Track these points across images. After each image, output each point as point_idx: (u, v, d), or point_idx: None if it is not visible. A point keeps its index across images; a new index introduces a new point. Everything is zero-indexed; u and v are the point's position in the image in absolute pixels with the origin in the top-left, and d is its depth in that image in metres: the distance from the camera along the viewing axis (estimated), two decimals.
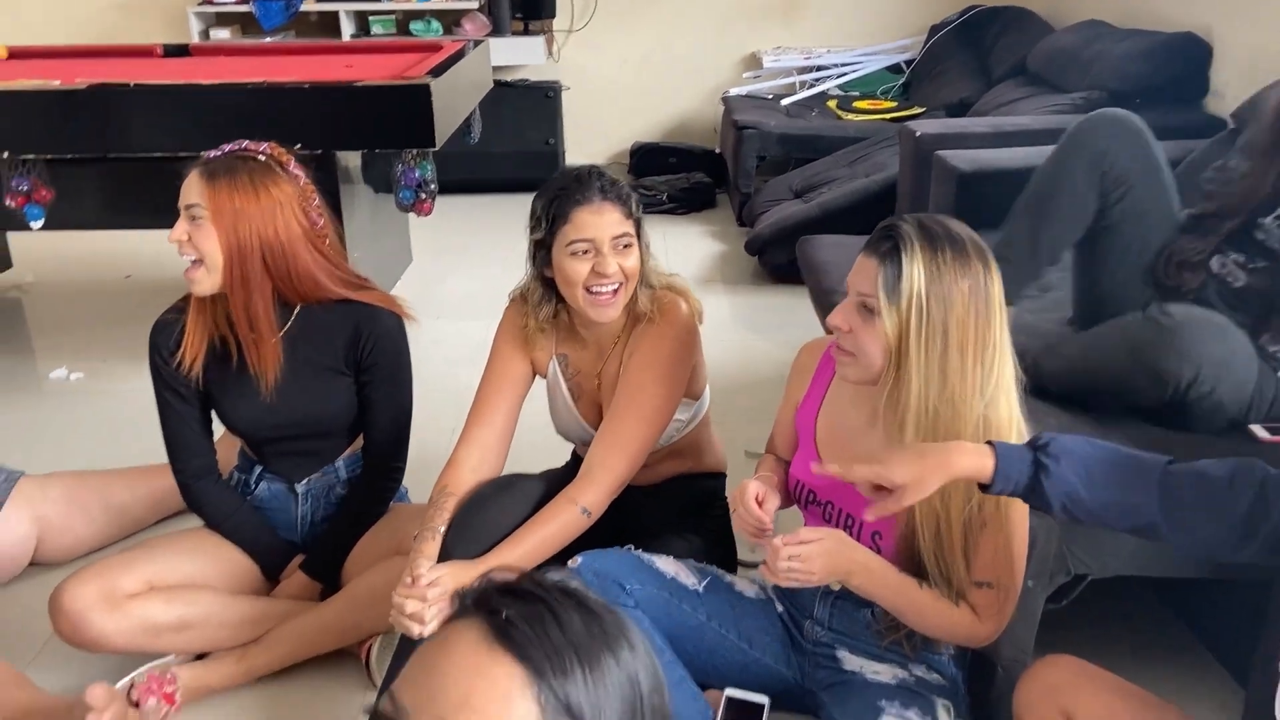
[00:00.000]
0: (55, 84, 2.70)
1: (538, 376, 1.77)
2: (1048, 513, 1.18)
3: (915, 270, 1.22)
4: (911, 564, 1.34)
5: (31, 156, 2.62)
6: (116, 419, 2.66)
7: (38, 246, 3.80)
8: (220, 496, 1.80)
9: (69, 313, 3.52)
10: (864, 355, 1.29)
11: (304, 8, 4.52)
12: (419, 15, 4.68)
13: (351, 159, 3.01)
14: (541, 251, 1.62)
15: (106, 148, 2.60)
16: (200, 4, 4.57)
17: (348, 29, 4.60)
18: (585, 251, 1.56)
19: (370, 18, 4.66)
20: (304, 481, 1.82)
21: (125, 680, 1.57)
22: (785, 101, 4.38)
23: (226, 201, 1.59)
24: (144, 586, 1.65)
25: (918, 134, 2.86)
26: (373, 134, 2.62)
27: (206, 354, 1.71)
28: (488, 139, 3.58)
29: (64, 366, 2.99)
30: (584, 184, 1.57)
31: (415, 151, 2.69)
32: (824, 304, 2.36)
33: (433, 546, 1.55)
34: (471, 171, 4.41)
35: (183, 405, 1.75)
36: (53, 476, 2.05)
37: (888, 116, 4.11)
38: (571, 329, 1.72)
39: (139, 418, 2.59)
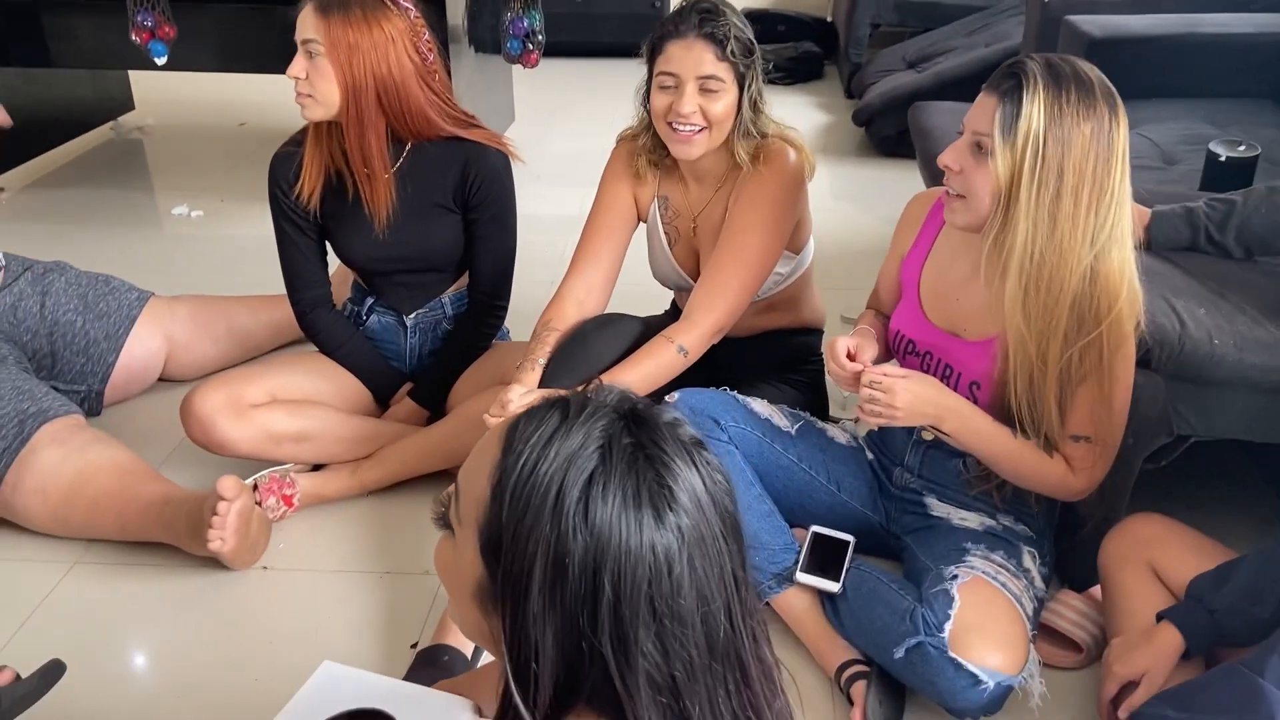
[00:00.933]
0: None
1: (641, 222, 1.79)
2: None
3: (1035, 109, 1.19)
4: (1005, 416, 1.34)
5: None
6: (234, 254, 2.78)
7: (158, 91, 3.92)
8: (335, 325, 1.89)
9: (187, 155, 3.65)
10: (973, 197, 1.27)
11: None
12: None
13: (458, 10, 3.00)
14: (647, 84, 1.62)
15: None
16: None
17: None
18: (669, 86, 1.56)
19: None
20: (412, 315, 1.89)
21: (249, 480, 1.68)
22: None
23: (341, 36, 1.61)
24: (268, 398, 1.76)
25: None
26: None
27: (323, 187, 1.76)
28: None
29: (185, 204, 3.11)
30: (683, 18, 1.56)
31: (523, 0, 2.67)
32: (935, 171, 2.30)
33: (532, 377, 1.61)
34: (575, 33, 4.35)
35: (300, 236, 1.82)
36: (181, 299, 2.17)
37: None
38: (674, 169, 1.72)
39: (255, 254, 2.72)
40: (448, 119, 1.75)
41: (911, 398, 1.30)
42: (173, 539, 1.63)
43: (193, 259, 2.79)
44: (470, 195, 1.78)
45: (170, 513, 1.62)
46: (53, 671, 1.28)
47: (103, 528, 1.66)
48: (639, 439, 0.64)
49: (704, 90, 1.55)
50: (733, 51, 1.54)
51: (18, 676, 1.25)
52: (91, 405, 2.01)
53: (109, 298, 2.04)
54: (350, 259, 1.86)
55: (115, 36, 2.95)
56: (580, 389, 0.73)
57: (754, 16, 4.59)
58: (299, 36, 1.64)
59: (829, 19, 4.56)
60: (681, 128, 1.57)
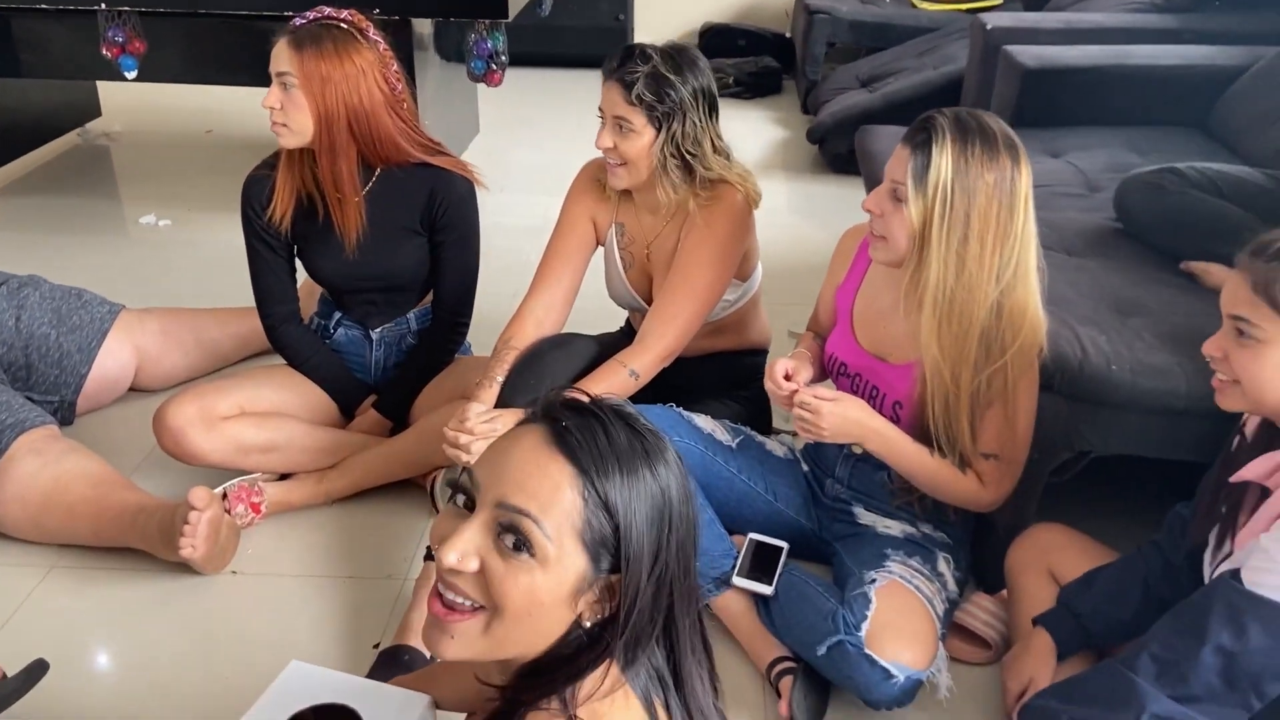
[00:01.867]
0: None
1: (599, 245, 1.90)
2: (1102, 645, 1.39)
3: (943, 161, 1.31)
4: (924, 433, 1.47)
5: (126, 9, 2.74)
6: (202, 263, 2.85)
7: (124, 97, 3.96)
8: (302, 339, 1.97)
9: (154, 162, 3.70)
10: (891, 239, 1.39)
11: None
12: None
13: (424, 27, 3.09)
14: None
15: (196, 4, 2.71)
16: None
17: None
18: (600, 119, 1.70)
19: None
20: (378, 329, 1.98)
21: (219, 489, 1.77)
22: None
23: (314, 69, 1.70)
24: (236, 411, 1.84)
25: (988, 26, 2.85)
26: (447, 2, 2.69)
27: (295, 209, 1.85)
28: (557, 12, 3.62)
29: (153, 213, 3.17)
30: (613, 59, 1.69)
31: (488, 22, 2.76)
32: None
33: (490, 394, 1.71)
34: (539, 45, 4.45)
35: (271, 255, 1.90)
36: (151, 311, 2.24)
37: (964, 7, 4.05)
38: (631, 198, 1.83)
39: (223, 263, 2.80)
40: (415, 145, 1.84)
41: (837, 420, 1.42)
42: (145, 545, 1.71)
43: (161, 268, 2.85)
44: (436, 219, 1.88)
45: (143, 520, 1.70)
46: (36, 670, 1.36)
47: (78, 534, 1.74)
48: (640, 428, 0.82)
49: (618, 129, 1.68)
50: (641, 97, 1.65)
51: (4, 675, 1.34)
52: (64, 415, 2.08)
53: (81, 311, 2.11)
54: (320, 277, 1.95)
55: (85, 48, 3.00)
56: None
57: (716, 30, 4.77)
58: (274, 69, 1.72)
59: (788, 35, 4.69)
60: (607, 159, 1.71)
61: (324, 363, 1.98)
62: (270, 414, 1.88)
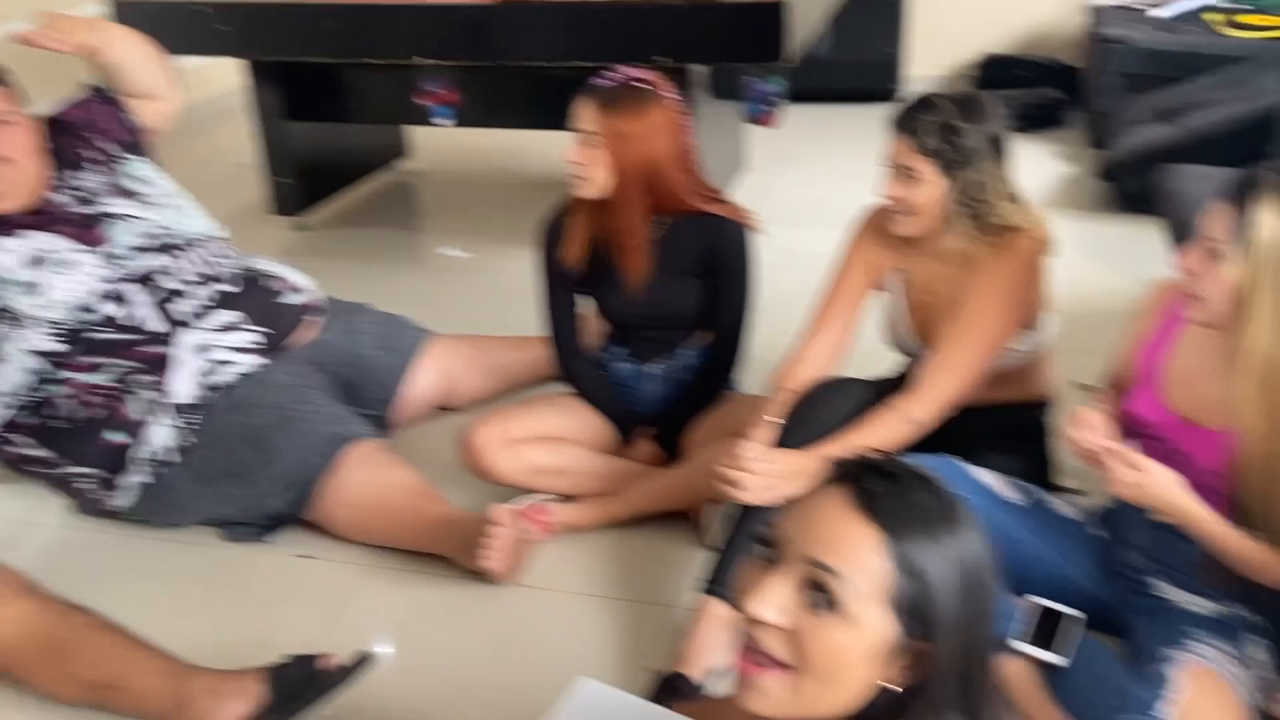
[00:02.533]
0: None
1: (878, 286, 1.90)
2: None
3: (1270, 219, 1.22)
4: (1237, 505, 1.36)
5: (443, 63, 3.04)
6: (497, 292, 3.10)
7: (429, 137, 4.38)
8: (587, 370, 2.12)
9: (454, 198, 4.07)
10: (1208, 299, 1.30)
11: None
12: None
13: (701, 68, 3.21)
14: None
15: (499, 55, 2.96)
16: None
17: None
18: (886, 167, 1.70)
19: None
20: (655, 365, 2.09)
21: (513, 504, 1.92)
22: (1157, 13, 4.04)
23: (615, 128, 1.83)
24: (530, 435, 2.00)
25: None
26: (728, 49, 2.78)
27: (585, 251, 1.99)
28: (823, 45, 3.64)
29: (452, 245, 3.49)
30: (904, 108, 1.68)
31: (765, 65, 2.84)
32: (1181, 240, 2.27)
33: (764, 433, 1.75)
34: (808, 80, 4.47)
35: (562, 293, 2.06)
36: (457, 338, 2.47)
37: None
38: (913, 243, 1.82)
39: (515, 292, 3.02)
40: (697, 196, 1.95)
41: (1161, 488, 1.35)
42: (451, 553, 1.89)
43: (460, 295, 3.12)
44: (714, 263, 1.96)
45: (449, 530, 1.88)
46: (366, 661, 1.55)
47: (397, 538, 1.96)
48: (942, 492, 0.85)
49: (906, 179, 1.67)
50: (931, 148, 1.64)
51: (339, 663, 1.53)
52: (382, 427, 2.33)
53: (400, 336, 2.37)
54: (605, 314, 2.08)
55: (404, 97, 3.36)
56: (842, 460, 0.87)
57: (996, 62, 4.61)
58: (577, 126, 1.87)
59: (1073, 64, 4.46)
60: (893, 207, 1.71)
61: (605, 394, 2.11)
62: (559, 439, 2.02)
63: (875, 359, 2.01)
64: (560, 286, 2.06)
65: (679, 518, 2.02)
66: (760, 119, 2.91)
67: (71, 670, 1.56)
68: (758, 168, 4.01)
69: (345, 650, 1.58)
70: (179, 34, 3.21)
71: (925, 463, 1.59)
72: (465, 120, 3.27)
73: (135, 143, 2.22)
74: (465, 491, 2.08)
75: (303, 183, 3.59)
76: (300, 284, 2.28)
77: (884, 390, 1.82)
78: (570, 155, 1.88)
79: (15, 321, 1.93)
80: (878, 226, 1.85)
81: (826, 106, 4.66)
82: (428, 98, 3.13)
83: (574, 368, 2.11)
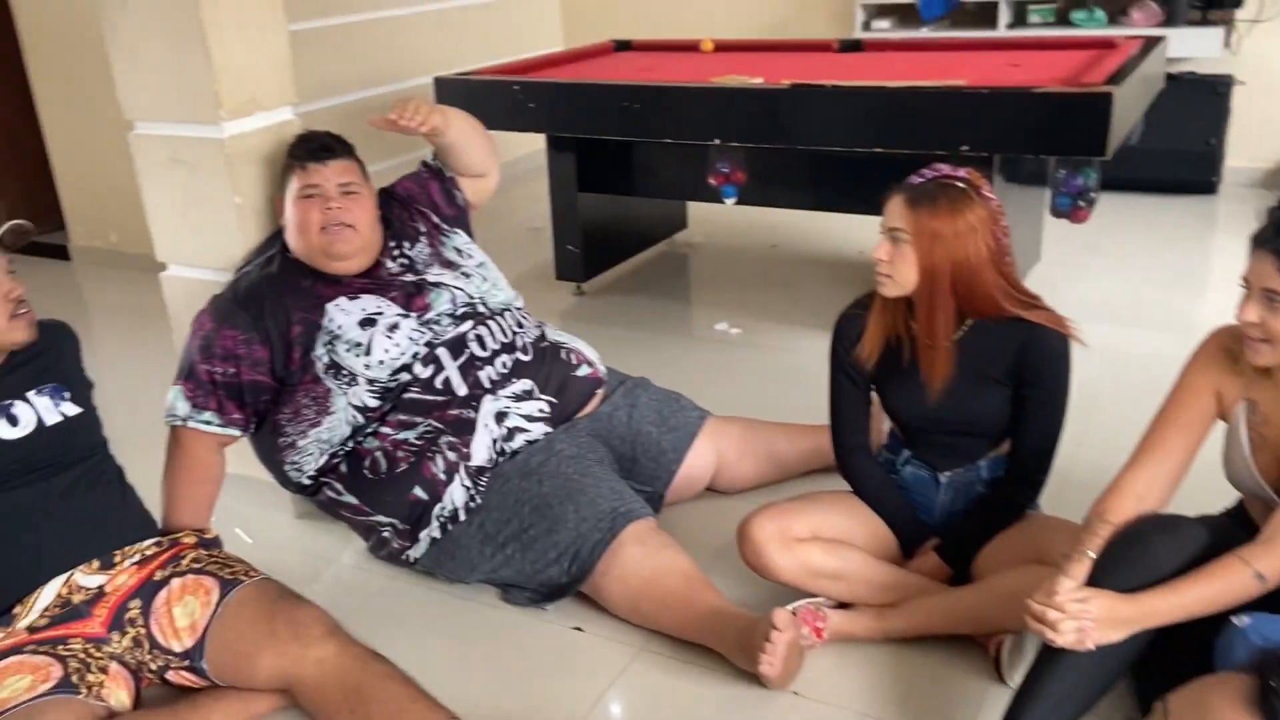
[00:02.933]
0: (758, 81, 3.14)
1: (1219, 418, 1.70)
2: None
3: None
4: None
5: (735, 144, 3.08)
6: (767, 372, 3.07)
7: (703, 210, 4.47)
8: (870, 470, 2.02)
9: (725, 272, 4.10)
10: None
11: None
12: (1081, 3, 4.52)
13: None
14: None
15: (797, 139, 2.96)
16: None
17: (1004, 18, 4.61)
18: (1243, 288, 1.54)
19: (1029, 7, 4.61)
20: (947, 473, 1.97)
21: (789, 607, 1.86)
22: None
23: (927, 226, 1.75)
24: (810, 534, 1.93)
25: None
26: (1043, 140, 2.64)
27: (882, 349, 1.92)
28: (1135, 133, 3.39)
29: (725, 320, 3.51)
30: (1270, 224, 1.49)
31: (1080, 159, 2.67)
32: None
33: (1080, 569, 1.59)
34: (1113, 168, 4.19)
35: (852, 389, 1.99)
36: (732, 420, 2.45)
37: None
38: (1269, 372, 1.62)
39: (786, 373, 3.00)
40: (1012, 300, 1.83)
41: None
42: (721, 648, 1.85)
43: (730, 373, 3.12)
44: (1025, 373, 1.83)
45: (722, 625, 1.84)
46: None
47: (666, 623, 1.94)
48: None
49: (1267, 303, 1.49)
50: None
51: None
52: (654, 504, 2.34)
53: (679, 414, 2.38)
54: (895, 414, 1.99)
55: (688, 174, 3.45)
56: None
57: None
58: (886, 224, 1.81)
59: None
60: (1248, 333, 1.52)
61: (889, 497, 2.01)
62: (839, 542, 1.94)
63: (1207, 492, 1.79)
64: (851, 382, 1.99)
65: (963, 640, 1.88)
66: (1070, 214, 2.73)
67: (365, 716, 1.64)
68: (1052, 258, 3.78)
69: None
70: (489, 109, 3.46)
71: (1275, 625, 1.42)
72: (745, 198, 3.30)
73: (457, 217, 2.38)
74: (729, 581, 2.04)
75: (588, 251, 3.74)
76: (591, 358, 2.35)
77: (1222, 534, 1.61)
78: (876, 252, 1.82)
79: (349, 379, 2.09)
80: (1227, 350, 1.65)
81: (1132, 196, 4.34)
82: (719, 178, 3.18)
83: (858, 467, 2.03)
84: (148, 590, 1.78)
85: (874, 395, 2.02)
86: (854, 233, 4.27)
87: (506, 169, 4.87)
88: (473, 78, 3.55)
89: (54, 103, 4.47)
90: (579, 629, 2.02)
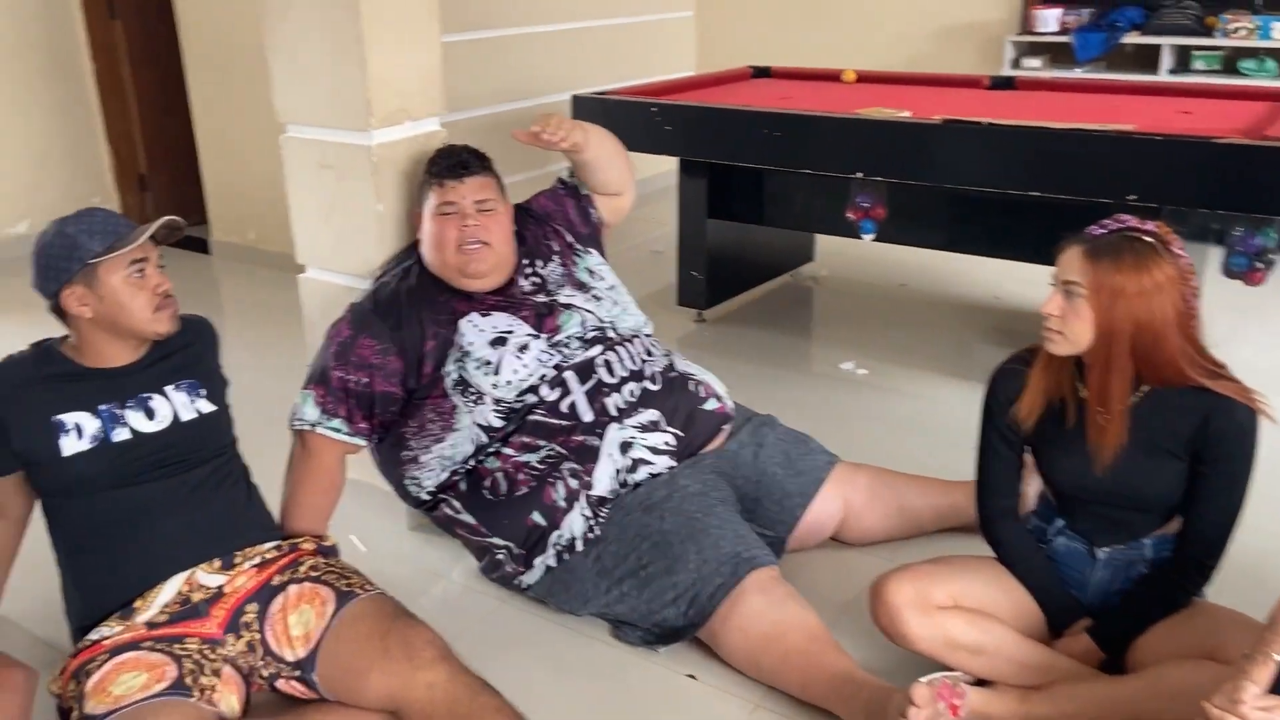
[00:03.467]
0: (906, 115, 3.02)
1: None
2: None
3: None
4: None
5: (880, 179, 2.97)
6: (896, 417, 2.94)
7: (832, 244, 4.34)
8: (1018, 539, 1.88)
9: (850, 308, 3.97)
10: None
11: (1123, 39, 4.41)
12: (1251, 53, 4.25)
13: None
14: None
15: (947, 178, 2.83)
16: (1019, 34, 4.73)
17: (1166, 63, 4.38)
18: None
19: (1193, 53, 4.37)
20: (1106, 548, 1.81)
21: (925, 680, 1.72)
22: None
23: (1107, 281, 1.61)
24: (950, 602, 1.80)
25: None
26: (1222, 194, 2.45)
27: (1043, 410, 1.77)
28: None
29: (851, 360, 3.38)
30: None
31: (1261, 217, 2.47)
32: None
33: (1265, 673, 1.42)
34: None
35: (1005, 449, 1.85)
36: (861, 468, 2.33)
37: None
38: None
39: (917, 421, 2.85)
40: (1197, 368, 1.67)
41: None
42: (845, 715, 1.73)
43: (855, 415, 2.99)
44: (1205, 448, 1.67)
45: (850, 692, 1.72)
46: None
47: (787, 681, 1.83)
48: None
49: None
50: None
51: None
52: (775, 549, 2.23)
53: (806, 458, 2.27)
54: (1052, 480, 1.84)
55: (822, 206, 3.34)
56: None
57: None
58: (1061, 276, 1.67)
59: None
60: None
61: (1039, 569, 1.85)
62: (981, 614, 1.80)
63: None
64: (1005, 442, 1.85)
65: None
66: (1245, 275, 2.53)
67: None
68: (1210, 320, 3.52)
69: None
70: (624, 129, 3.42)
71: None
72: (881, 235, 3.18)
73: (591, 235, 2.34)
74: (853, 641, 1.92)
75: (712, 278, 3.66)
76: (720, 392, 2.26)
77: None
78: (1047, 306, 1.68)
79: (476, 397, 2.05)
80: None
81: None
82: (859, 213, 3.07)
83: (1005, 534, 1.88)
84: (265, 594, 1.76)
85: (1028, 457, 1.88)
86: (986, 276, 4.10)
87: (638, 188, 4.81)
88: (609, 97, 3.52)
89: (207, 103, 4.63)
90: (692, 676, 1.93)
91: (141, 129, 5.13)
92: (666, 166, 5.87)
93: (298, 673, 1.71)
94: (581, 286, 2.22)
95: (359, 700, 1.69)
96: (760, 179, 3.56)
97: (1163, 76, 4.33)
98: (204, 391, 1.83)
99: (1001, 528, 1.89)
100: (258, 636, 1.73)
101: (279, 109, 2.27)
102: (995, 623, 1.80)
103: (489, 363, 2.04)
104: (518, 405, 2.06)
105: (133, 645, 1.64)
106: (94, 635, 1.66)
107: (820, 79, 4.02)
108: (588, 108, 3.47)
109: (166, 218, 1.75)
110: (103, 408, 1.72)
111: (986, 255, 3.35)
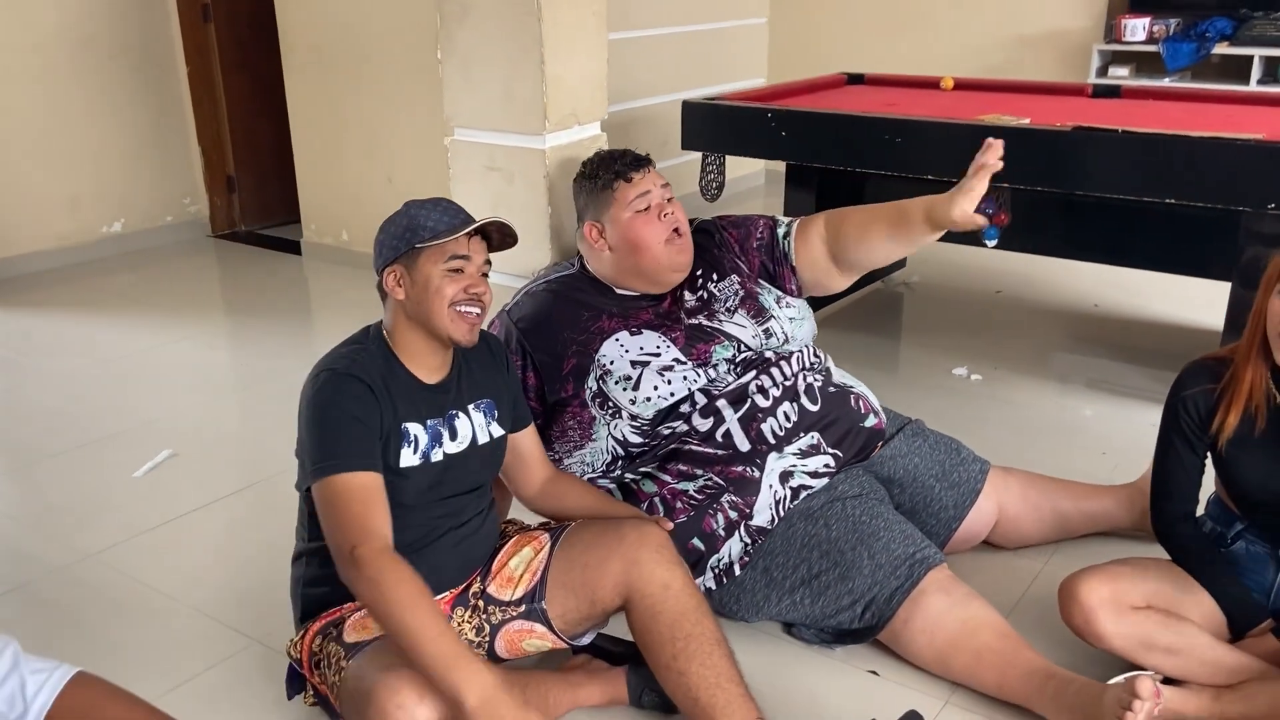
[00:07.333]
0: (1025, 122, 3.04)
1: None
2: None
3: None
4: None
5: (1007, 185, 2.98)
6: (1014, 422, 2.96)
7: (926, 249, 4.36)
8: (1197, 543, 1.89)
9: (947, 314, 3.99)
10: None
11: (1213, 50, 4.43)
12: None
13: None
14: None
15: (1078, 184, 2.85)
16: (1107, 42, 4.74)
17: (1256, 74, 4.39)
18: None
19: None
20: None
21: (1120, 678, 1.75)
22: None
23: None
24: (1144, 603, 1.82)
25: None
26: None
27: (1241, 414, 1.78)
28: None
29: (962, 366, 3.40)
30: None
31: None
32: None
33: None
34: None
35: (1189, 455, 1.86)
36: (1012, 472, 2.35)
37: None
38: None
39: (1033, 426, 2.88)
40: None
41: None
42: (1047, 711, 1.75)
43: (975, 421, 3.00)
44: None
45: (1055, 688, 1.74)
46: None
47: (982, 680, 1.85)
48: None
49: None
50: None
51: None
52: None
53: (960, 468, 2.26)
54: (1242, 487, 1.85)
55: None
56: None
57: None
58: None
59: None
60: None
61: (1220, 572, 1.87)
62: (1174, 615, 1.82)
63: None
64: (1187, 447, 1.87)
65: None
66: None
67: (682, 671, 1.65)
68: None
69: None
70: (735, 135, 3.47)
71: None
72: (1017, 244, 3.20)
73: (772, 274, 2.20)
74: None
75: None
76: (876, 406, 2.23)
77: None
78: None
79: (613, 410, 2.05)
80: None
81: None
82: (983, 219, 3.08)
83: (1185, 538, 1.90)
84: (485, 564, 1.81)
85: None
86: (1078, 283, 4.12)
87: (730, 186, 4.85)
88: (720, 102, 3.55)
89: (304, 107, 4.69)
90: (874, 672, 1.96)
91: (231, 132, 5.21)
92: (752, 167, 5.92)
93: (523, 608, 1.73)
94: (759, 313, 2.13)
95: (593, 598, 1.70)
96: (863, 184, 3.59)
97: (1252, 87, 4.33)
98: (498, 414, 1.82)
99: (1181, 531, 1.91)
100: (479, 590, 1.75)
101: (449, 111, 2.32)
102: (1188, 624, 1.82)
103: (629, 378, 2.03)
104: (658, 427, 2.04)
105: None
106: (332, 609, 1.71)
107: (917, 86, 4.05)
108: (697, 114, 3.50)
109: (494, 217, 1.69)
110: (430, 422, 1.69)
111: (1098, 261, 3.37)
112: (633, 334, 2.07)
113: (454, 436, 1.73)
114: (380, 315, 1.76)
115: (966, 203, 1.96)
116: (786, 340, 2.15)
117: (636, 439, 2.06)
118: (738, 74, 5.84)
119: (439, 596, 1.74)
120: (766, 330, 2.13)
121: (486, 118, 2.26)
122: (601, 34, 2.27)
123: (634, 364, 2.04)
